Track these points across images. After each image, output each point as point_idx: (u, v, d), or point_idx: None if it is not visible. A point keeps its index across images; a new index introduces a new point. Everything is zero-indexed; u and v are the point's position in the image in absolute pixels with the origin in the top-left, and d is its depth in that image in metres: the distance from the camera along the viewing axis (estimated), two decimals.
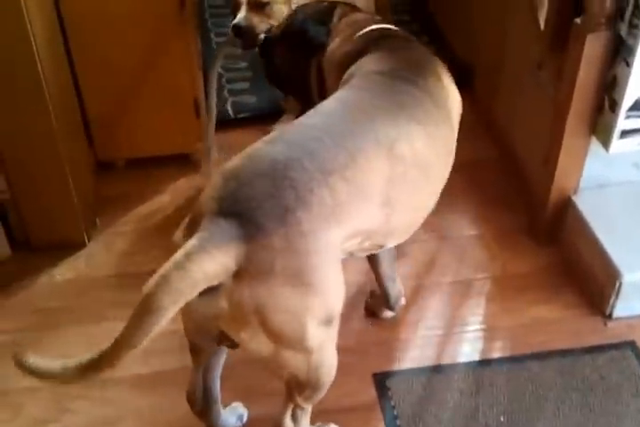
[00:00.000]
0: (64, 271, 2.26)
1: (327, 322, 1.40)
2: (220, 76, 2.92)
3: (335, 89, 1.73)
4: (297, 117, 1.62)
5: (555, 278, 2.19)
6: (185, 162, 2.58)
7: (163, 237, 2.30)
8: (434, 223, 2.35)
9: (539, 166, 2.26)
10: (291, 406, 1.61)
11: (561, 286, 2.17)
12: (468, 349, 2.03)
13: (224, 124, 2.71)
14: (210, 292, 1.28)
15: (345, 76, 1.76)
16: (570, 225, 2.21)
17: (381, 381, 1.93)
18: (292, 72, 2.01)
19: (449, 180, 2.47)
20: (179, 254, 1.27)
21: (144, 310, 1.24)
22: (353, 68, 1.76)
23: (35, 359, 1.30)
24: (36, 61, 1.96)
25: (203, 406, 1.72)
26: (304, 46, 1.93)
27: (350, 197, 1.41)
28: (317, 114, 1.57)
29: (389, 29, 1.90)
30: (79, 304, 2.17)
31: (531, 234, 2.32)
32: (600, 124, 2.04)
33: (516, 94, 2.52)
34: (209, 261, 1.26)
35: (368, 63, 1.74)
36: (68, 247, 2.31)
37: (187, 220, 1.40)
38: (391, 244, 1.69)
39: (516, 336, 2.06)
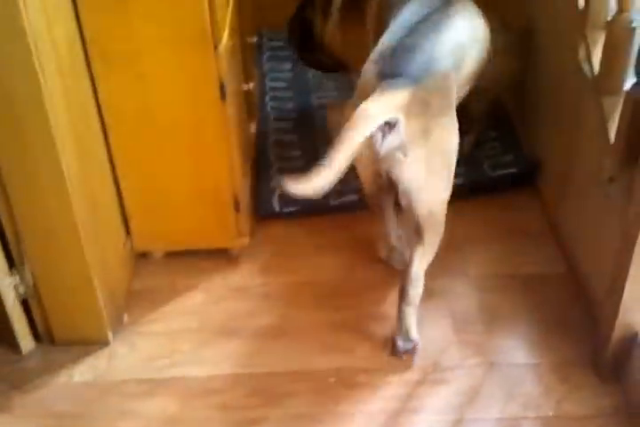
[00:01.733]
0: (83, 371, 2.14)
1: (452, 162, 1.98)
2: (270, 165, 2.82)
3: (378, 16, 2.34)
4: None
5: (614, 425, 1.91)
6: (223, 256, 2.47)
7: (188, 342, 2.22)
8: (483, 346, 2.14)
9: (604, 292, 2.01)
10: (417, 251, 2.08)
11: None
12: None
13: (267, 217, 2.62)
14: (390, 131, 1.81)
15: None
16: (636, 363, 1.94)
17: None
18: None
19: (507, 296, 2.30)
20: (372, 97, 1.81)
21: (361, 118, 1.77)
22: None
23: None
24: (60, 161, 1.88)
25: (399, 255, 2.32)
26: None
27: (460, 60, 2.09)
28: (404, 21, 2.08)
29: None
30: (91, 411, 2.04)
31: (594, 368, 2.05)
32: None
33: (584, 205, 2.30)
34: (392, 98, 1.81)
35: None
36: (90, 344, 2.20)
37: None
38: None
39: None
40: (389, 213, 2.28)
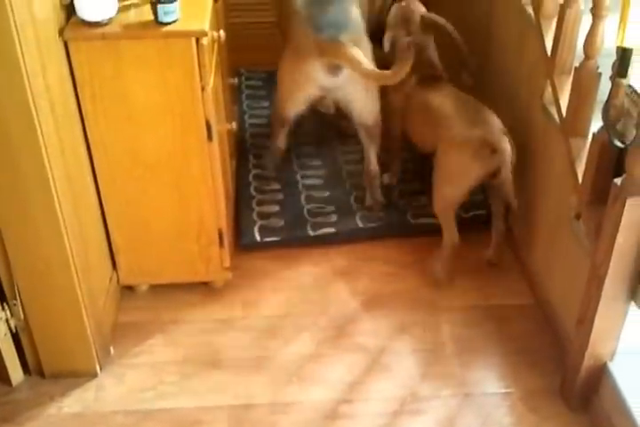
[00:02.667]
0: (72, 403, 2.19)
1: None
2: (252, 197, 2.91)
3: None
4: None
5: None
6: (207, 290, 2.54)
7: (173, 373, 2.28)
8: (457, 377, 2.23)
9: (574, 324, 2.10)
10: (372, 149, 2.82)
11: None
12: None
13: (248, 247, 2.71)
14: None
15: None
16: (604, 393, 2.04)
17: None
18: None
19: (479, 328, 2.35)
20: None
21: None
22: None
23: None
24: (55, 201, 1.96)
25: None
26: None
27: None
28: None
29: None
30: None
31: (563, 396, 2.14)
32: None
33: (551, 241, 2.41)
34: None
35: None
36: (79, 376, 2.26)
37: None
38: None
39: None
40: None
